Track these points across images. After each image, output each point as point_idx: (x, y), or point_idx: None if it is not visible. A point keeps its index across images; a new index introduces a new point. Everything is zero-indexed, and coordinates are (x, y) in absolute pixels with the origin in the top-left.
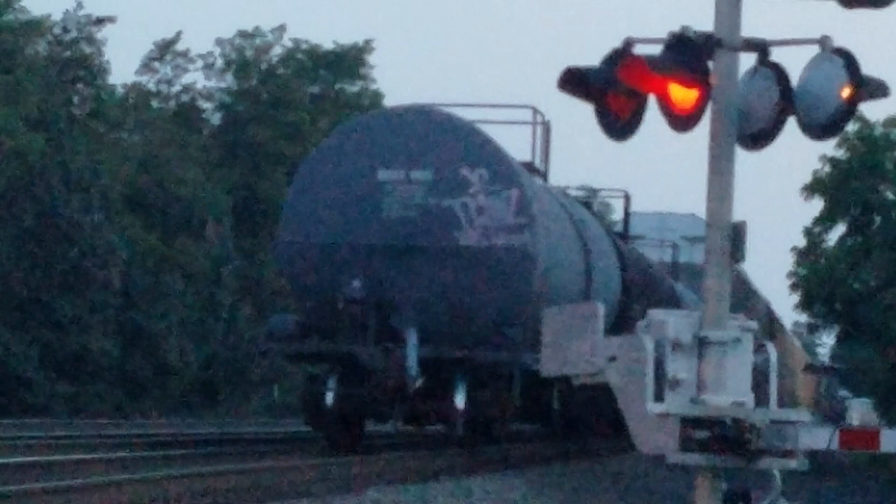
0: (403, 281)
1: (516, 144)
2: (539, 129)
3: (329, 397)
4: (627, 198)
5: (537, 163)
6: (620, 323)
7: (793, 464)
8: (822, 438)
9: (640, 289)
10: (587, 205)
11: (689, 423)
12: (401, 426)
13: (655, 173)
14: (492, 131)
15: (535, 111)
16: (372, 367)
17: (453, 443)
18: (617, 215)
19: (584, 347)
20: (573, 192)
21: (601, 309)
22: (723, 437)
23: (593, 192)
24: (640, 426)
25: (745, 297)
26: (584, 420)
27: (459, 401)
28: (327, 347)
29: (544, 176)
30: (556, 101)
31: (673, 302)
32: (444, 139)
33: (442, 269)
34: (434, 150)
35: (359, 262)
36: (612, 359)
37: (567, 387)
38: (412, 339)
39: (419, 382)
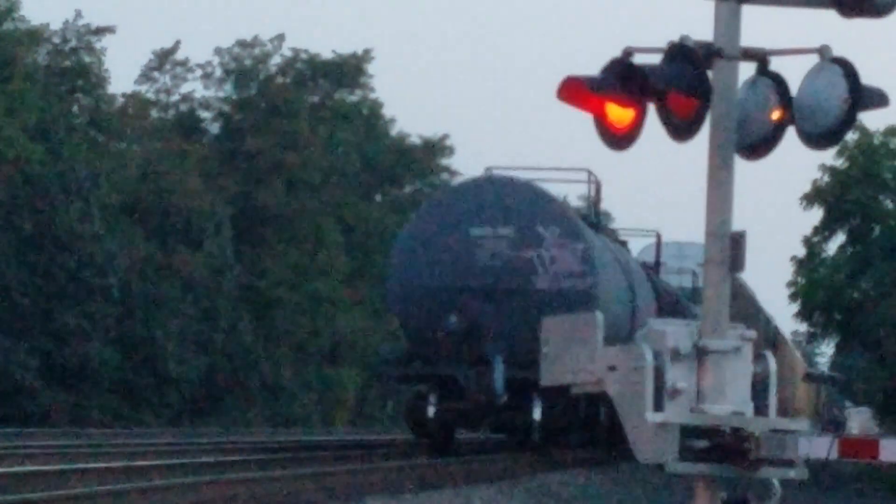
0: (491, 317)
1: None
2: (593, 188)
3: (430, 410)
4: (659, 236)
5: (589, 212)
6: None
7: (792, 473)
8: (822, 447)
9: (669, 314)
10: (623, 243)
11: (688, 432)
12: (488, 434)
13: (675, 204)
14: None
15: (590, 173)
16: (466, 386)
17: (530, 447)
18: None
19: (583, 356)
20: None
21: (600, 317)
22: (722, 447)
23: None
24: (639, 436)
25: (748, 314)
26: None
27: (536, 414)
28: (429, 370)
29: (597, 226)
30: (565, 113)
31: None
32: (523, 202)
33: (522, 307)
34: (515, 212)
35: (455, 302)
36: (612, 368)
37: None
38: (498, 363)
39: (504, 398)
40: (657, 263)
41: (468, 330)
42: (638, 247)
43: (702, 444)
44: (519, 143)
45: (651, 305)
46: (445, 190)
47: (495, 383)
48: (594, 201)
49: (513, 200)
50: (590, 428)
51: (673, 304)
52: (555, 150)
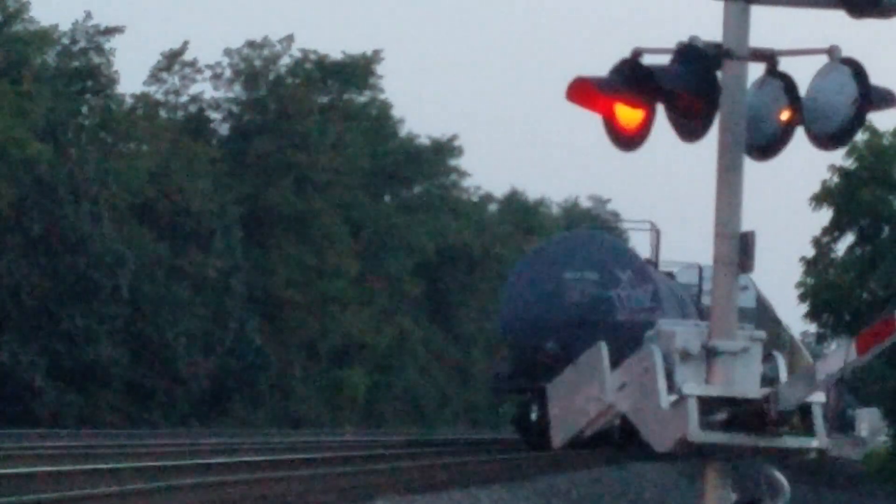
0: (580, 343)
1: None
2: (654, 235)
3: (533, 416)
4: (700, 269)
5: (652, 256)
6: None
7: (814, 442)
8: (837, 360)
9: None
10: (670, 274)
11: (706, 408)
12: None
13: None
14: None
15: (652, 224)
16: None
17: (611, 445)
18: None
19: (592, 390)
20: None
21: (604, 347)
22: (741, 414)
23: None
24: (656, 425)
25: (766, 321)
26: None
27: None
28: (532, 384)
29: (656, 265)
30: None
31: None
32: (605, 251)
33: (604, 336)
34: (599, 259)
35: (552, 330)
36: (622, 387)
37: None
38: None
39: None
40: (699, 290)
41: (562, 352)
42: (676, 268)
43: (721, 416)
44: (526, 144)
45: None
46: (544, 241)
47: None
48: (655, 247)
49: (596, 250)
50: None
51: None
52: (562, 151)
